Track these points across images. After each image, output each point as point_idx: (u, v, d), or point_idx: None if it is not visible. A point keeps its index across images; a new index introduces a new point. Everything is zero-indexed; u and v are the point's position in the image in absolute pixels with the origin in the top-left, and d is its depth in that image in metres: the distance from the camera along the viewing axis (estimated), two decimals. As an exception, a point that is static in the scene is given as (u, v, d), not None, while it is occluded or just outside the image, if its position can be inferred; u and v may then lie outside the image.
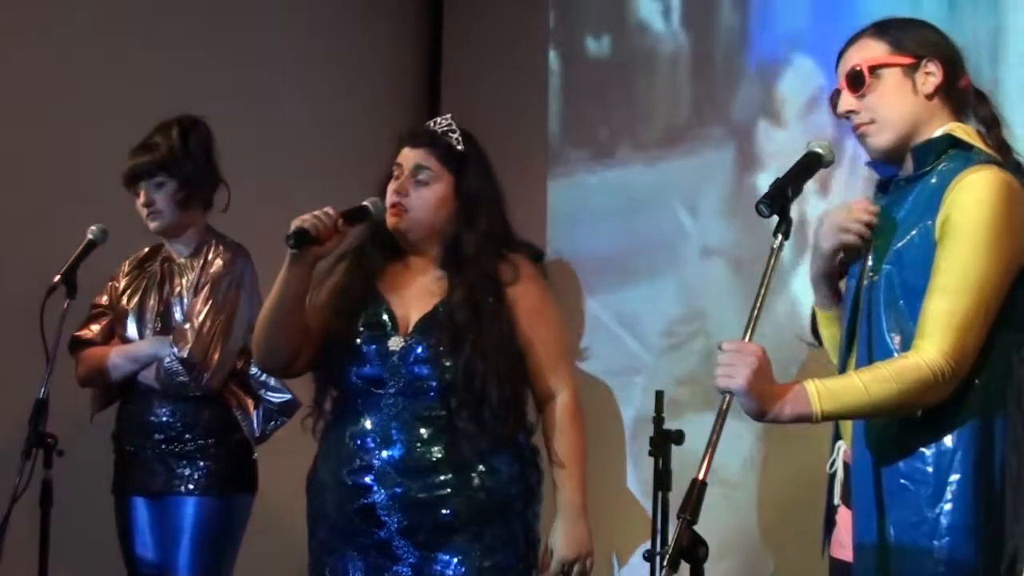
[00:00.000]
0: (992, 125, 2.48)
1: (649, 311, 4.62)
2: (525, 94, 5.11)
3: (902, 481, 2.34)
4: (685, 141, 4.59)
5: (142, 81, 4.43)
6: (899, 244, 2.39)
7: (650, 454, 3.77)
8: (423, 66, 5.50)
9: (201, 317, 3.50)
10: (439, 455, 2.91)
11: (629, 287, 4.71)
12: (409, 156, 3.04)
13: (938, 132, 2.44)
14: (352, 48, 5.24)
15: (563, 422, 3.01)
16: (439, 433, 2.92)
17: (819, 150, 2.39)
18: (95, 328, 3.66)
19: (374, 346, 2.97)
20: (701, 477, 2.09)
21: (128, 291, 3.66)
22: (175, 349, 3.48)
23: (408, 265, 3.08)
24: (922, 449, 2.33)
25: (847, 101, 2.48)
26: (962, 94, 2.49)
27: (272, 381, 3.55)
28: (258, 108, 4.78)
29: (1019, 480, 2.33)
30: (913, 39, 2.46)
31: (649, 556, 3.74)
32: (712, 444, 2.12)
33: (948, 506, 2.30)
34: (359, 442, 2.94)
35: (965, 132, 2.45)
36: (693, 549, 2.06)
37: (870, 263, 2.45)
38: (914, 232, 2.37)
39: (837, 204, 2.57)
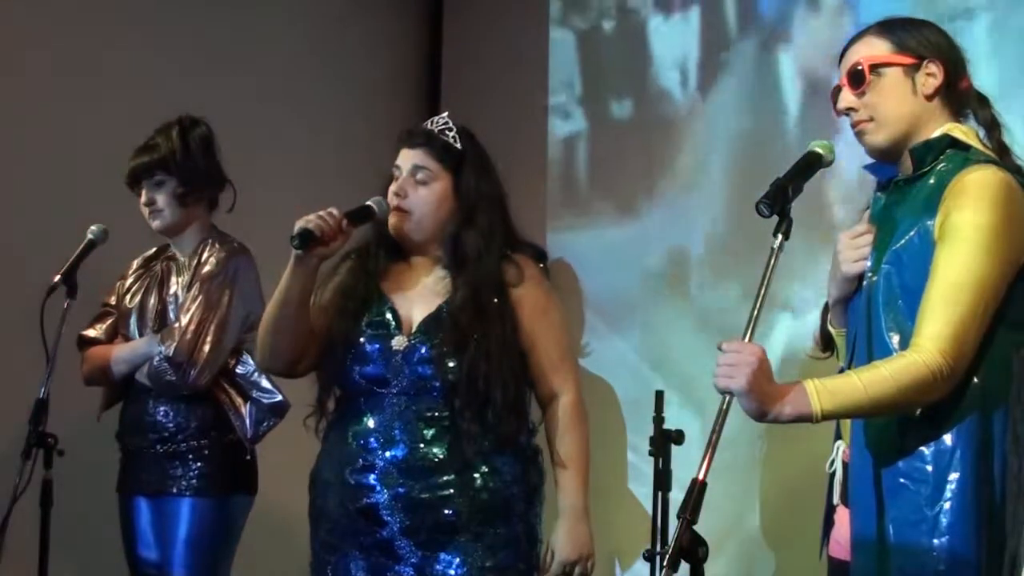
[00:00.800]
0: (992, 127, 2.49)
1: (650, 311, 4.63)
2: (525, 94, 5.10)
3: (901, 480, 2.34)
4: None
5: (142, 81, 4.43)
6: (898, 244, 2.39)
7: (650, 454, 3.77)
8: (423, 66, 5.50)
9: (188, 316, 3.50)
10: (442, 455, 2.91)
11: (630, 286, 4.71)
12: (407, 157, 3.04)
13: (936, 132, 2.44)
14: (352, 48, 5.24)
15: (566, 423, 3.01)
16: (442, 433, 2.92)
17: (819, 150, 2.39)
18: (100, 327, 3.67)
19: (378, 345, 2.97)
20: (701, 477, 2.09)
21: (132, 290, 3.67)
22: (162, 348, 3.49)
23: (411, 265, 3.08)
24: (921, 448, 2.33)
25: (847, 98, 2.48)
26: (962, 96, 2.49)
27: (264, 382, 3.54)
28: (258, 108, 4.78)
29: (1019, 478, 2.33)
30: (916, 39, 2.47)
31: (649, 556, 3.75)
32: (712, 444, 2.12)
33: (948, 504, 2.30)
34: (362, 442, 2.94)
35: (963, 133, 2.45)
36: (693, 549, 2.06)
37: (870, 263, 2.45)
38: (913, 232, 2.37)
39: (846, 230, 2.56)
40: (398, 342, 2.96)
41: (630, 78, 4.77)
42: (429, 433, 2.92)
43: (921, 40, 2.47)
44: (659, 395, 3.84)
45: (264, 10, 4.97)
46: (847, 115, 2.49)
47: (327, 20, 5.18)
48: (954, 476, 2.30)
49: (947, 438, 2.32)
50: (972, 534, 2.29)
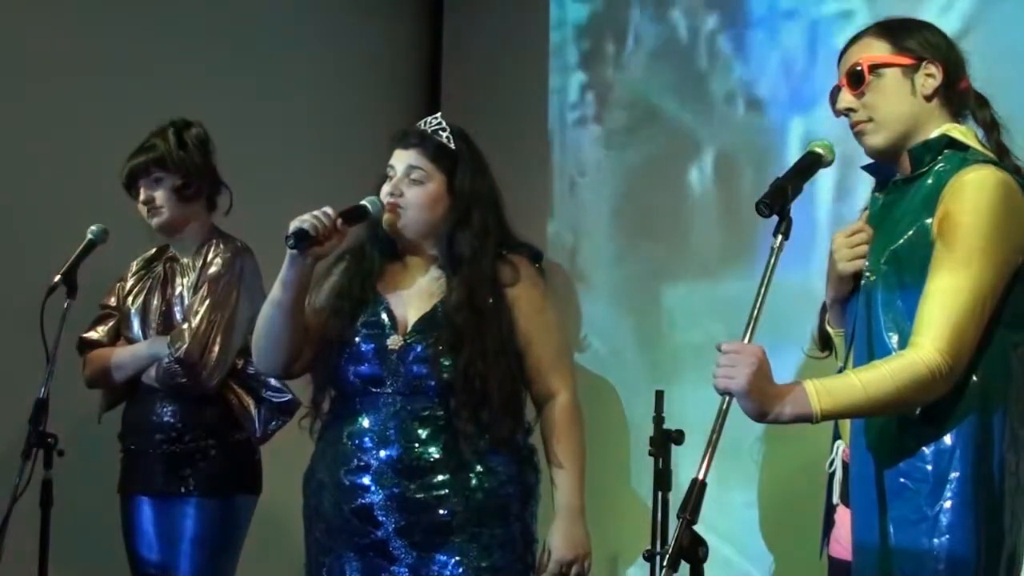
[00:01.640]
0: (991, 128, 2.49)
1: (650, 310, 4.63)
2: (526, 94, 5.11)
3: (901, 480, 2.35)
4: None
5: (142, 81, 4.43)
6: (896, 244, 2.39)
7: (650, 454, 3.77)
8: (423, 66, 5.50)
9: (198, 317, 3.51)
10: (437, 455, 2.91)
11: (630, 286, 4.72)
12: (401, 157, 3.03)
13: (935, 133, 2.44)
14: (352, 48, 5.25)
15: (562, 423, 3.01)
16: (437, 433, 2.92)
17: (819, 150, 2.39)
18: (102, 329, 3.67)
19: (373, 345, 2.97)
20: (701, 477, 2.09)
21: (133, 291, 3.67)
22: (172, 349, 3.49)
23: (407, 265, 3.08)
24: (921, 448, 2.34)
25: (846, 99, 2.49)
26: (961, 96, 2.49)
27: (272, 380, 3.55)
28: (258, 109, 4.78)
29: (1017, 477, 2.34)
30: (915, 40, 2.47)
31: (649, 556, 3.75)
32: (712, 444, 2.12)
33: (948, 504, 2.30)
34: (357, 442, 2.94)
35: (962, 133, 2.45)
36: (693, 549, 2.06)
37: (868, 263, 2.46)
38: (911, 232, 2.38)
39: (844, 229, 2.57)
40: (393, 342, 2.96)
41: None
42: (424, 433, 2.92)
43: (920, 41, 2.47)
44: (659, 395, 3.84)
45: (264, 10, 4.97)
46: (846, 115, 2.50)
47: (327, 20, 5.18)
48: (954, 475, 2.31)
49: (947, 438, 2.32)
50: (972, 533, 2.29)
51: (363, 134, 4.90)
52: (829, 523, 2.62)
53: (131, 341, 3.63)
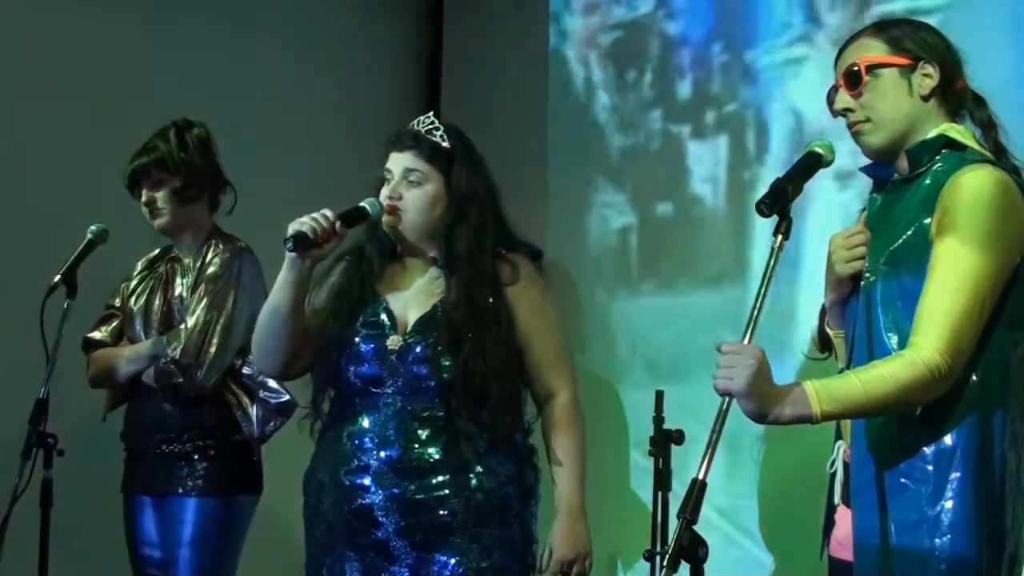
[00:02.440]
0: (989, 128, 2.49)
1: (650, 310, 4.63)
2: (526, 94, 5.10)
3: (902, 480, 2.35)
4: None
5: (142, 81, 4.44)
6: (895, 244, 2.39)
7: (650, 454, 3.77)
8: (423, 66, 5.49)
9: (195, 317, 3.51)
10: (437, 456, 2.91)
11: (630, 286, 4.71)
12: (397, 160, 3.03)
13: (933, 133, 2.44)
14: (352, 50, 5.24)
15: (562, 422, 3.01)
16: (437, 433, 2.92)
17: (819, 150, 2.39)
18: (105, 329, 3.68)
19: (372, 345, 2.97)
20: (701, 477, 2.09)
21: (136, 292, 3.68)
22: (168, 350, 3.49)
23: (406, 266, 3.08)
24: (922, 448, 2.34)
25: (843, 99, 2.48)
26: (959, 96, 2.49)
27: (270, 381, 3.55)
28: (258, 109, 4.78)
29: (1017, 476, 2.34)
30: (912, 40, 2.47)
31: (649, 556, 3.74)
32: (712, 444, 2.12)
33: (949, 504, 2.30)
34: (357, 442, 2.94)
35: (960, 133, 2.45)
36: (693, 549, 2.06)
37: (867, 264, 2.46)
38: (910, 232, 2.38)
39: (839, 231, 2.57)
40: (393, 341, 2.96)
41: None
42: (424, 433, 2.92)
43: (917, 41, 2.47)
44: (659, 395, 3.84)
45: (265, 13, 4.97)
46: (844, 116, 2.50)
47: (327, 20, 5.18)
48: (955, 475, 2.31)
49: (947, 438, 2.32)
50: (973, 533, 2.29)
51: (363, 134, 4.89)
52: (830, 523, 2.62)
53: (133, 341, 3.63)
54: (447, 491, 2.90)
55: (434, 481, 2.90)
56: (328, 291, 3.05)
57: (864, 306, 2.43)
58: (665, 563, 2.06)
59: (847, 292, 2.53)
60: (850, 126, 2.50)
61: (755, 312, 2.21)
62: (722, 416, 2.15)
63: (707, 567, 2.08)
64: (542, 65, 5.06)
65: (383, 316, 3.00)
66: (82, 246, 3.54)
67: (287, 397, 3.55)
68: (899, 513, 2.34)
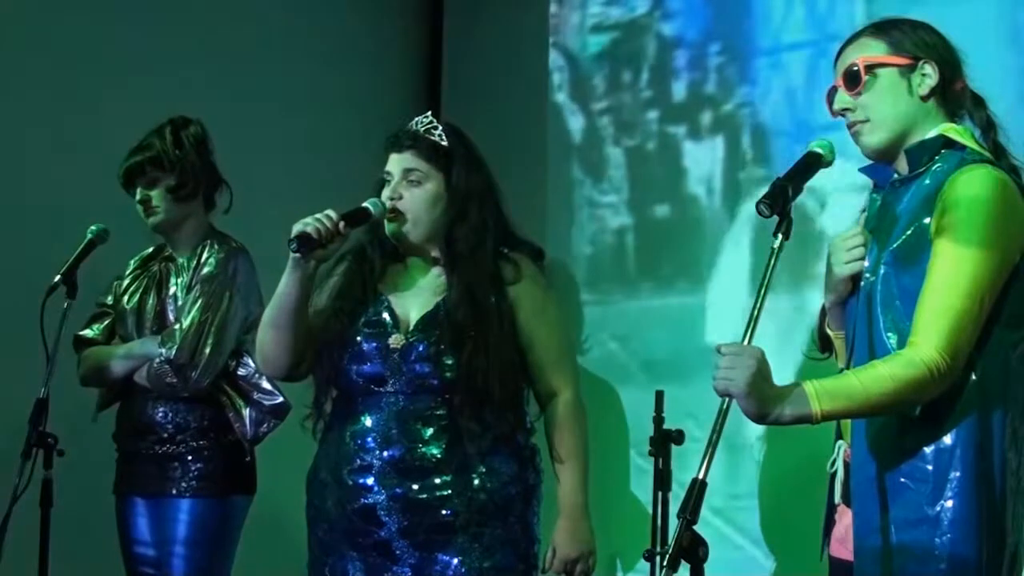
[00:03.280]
0: (988, 128, 2.49)
1: (649, 310, 4.63)
2: (526, 94, 5.10)
3: (902, 479, 2.34)
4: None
5: (142, 81, 4.43)
6: (895, 245, 2.39)
7: (650, 454, 3.77)
8: (423, 66, 5.49)
9: (190, 318, 3.50)
10: (439, 455, 2.92)
11: (631, 286, 4.71)
12: (397, 161, 3.03)
13: (932, 133, 2.45)
14: (352, 49, 5.24)
15: (565, 421, 3.01)
16: (440, 433, 2.93)
17: (819, 150, 2.39)
18: (97, 327, 3.67)
19: (375, 344, 2.97)
20: (701, 477, 2.09)
21: (129, 290, 3.66)
22: (163, 350, 3.48)
23: (408, 266, 3.08)
24: (921, 447, 2.34)
25: (843, 99, 2.49)
26: (958, 96, 2.49)
27: (264, 383, 3.54)
28: (258, 109, 4.78)
29: (1017, 475, 2.34)
30: (911, 40, 2.47)
31: (649, 556, 3.74)
32: (712, 444, 2.11)
33: (949, 503, 2.30)
34: (359, 442, 2.94)
35: (959, 133, 2.45)
36: (693, 549, 2.06)
37: (867, 264, 2.46)
38: (909, 232, 2.38)
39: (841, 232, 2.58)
40: (395, 340, 2.96)
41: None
42: (427, 432, 2.93)
43: (917, 41, 2.47)
44: (659, 395, 3.83)
45: (264, 10, 4.97)
46: (843, 116, 2.50)
47: (327, 20, 5.18)
48: (955, 475, 2.31)
49: (947, 437, 2.32)
50: (974, 532, 2.29)
51: (363, 134, 4.89)
52: (830, 523, 2.62)
53: (125, 340, 3.62)
54: (449, 491, 2.90)
55: (437, 481, 2.91)
56: (330, 291, 3.06)
57: (864, 306, 2.43)
58: (665, 563, 2.06)
59: (847, 293, 2.53)
60: (849, 126, 2.50)
61: (755, 313, 2.21)
62: (722, 416, 2.15)
63: (707, 567, 2.08)
64: (541, 65, 5.06)
65: (385, 315, 3.00)
66: (82, 246, 3.54)
67: (281, 399, 3.54)
68: (899, 512, 2.34)
